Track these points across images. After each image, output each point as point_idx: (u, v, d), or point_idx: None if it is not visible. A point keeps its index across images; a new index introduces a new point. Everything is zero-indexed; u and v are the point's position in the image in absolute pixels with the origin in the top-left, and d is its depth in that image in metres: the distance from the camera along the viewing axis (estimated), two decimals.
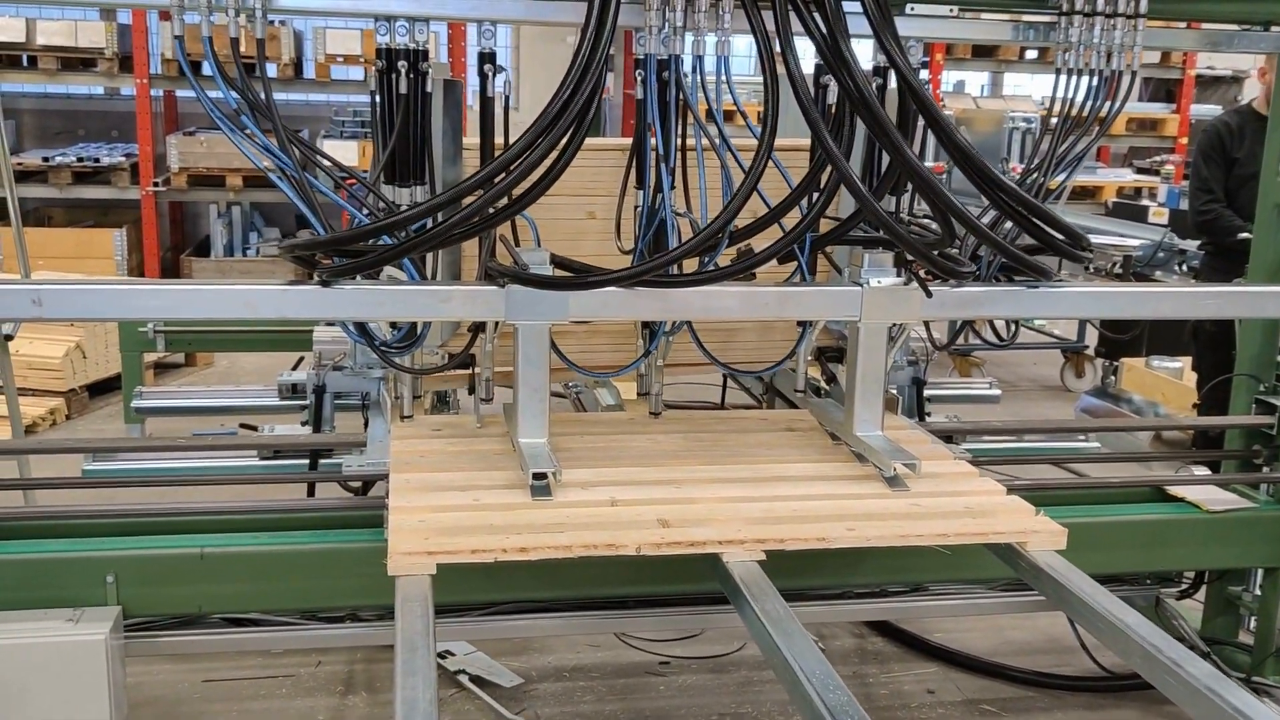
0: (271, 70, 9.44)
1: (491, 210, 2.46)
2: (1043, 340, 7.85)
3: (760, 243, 2.75)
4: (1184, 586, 3.89)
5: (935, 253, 2.80)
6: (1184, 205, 6.46)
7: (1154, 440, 5.74)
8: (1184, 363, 6.41)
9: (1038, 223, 2.64)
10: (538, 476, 2.58)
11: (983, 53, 10.58)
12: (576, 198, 3.29)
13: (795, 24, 2.50)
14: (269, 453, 3.37)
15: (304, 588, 2.94)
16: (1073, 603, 2.32)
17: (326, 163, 2.78)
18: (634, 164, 2.87)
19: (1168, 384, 6.34)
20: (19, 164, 9.18)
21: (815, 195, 2.70)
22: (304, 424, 3.46)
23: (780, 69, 2.56)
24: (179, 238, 10.64)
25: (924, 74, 2.88)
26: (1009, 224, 2.98)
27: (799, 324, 3.23)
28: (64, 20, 8.97)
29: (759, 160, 2.47)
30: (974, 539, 2.49)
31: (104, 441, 3.94)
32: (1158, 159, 10.12)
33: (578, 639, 3.87)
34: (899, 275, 2.77)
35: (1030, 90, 11.94)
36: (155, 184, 9.34)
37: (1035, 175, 2.92)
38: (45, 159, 9.15)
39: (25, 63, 9.16)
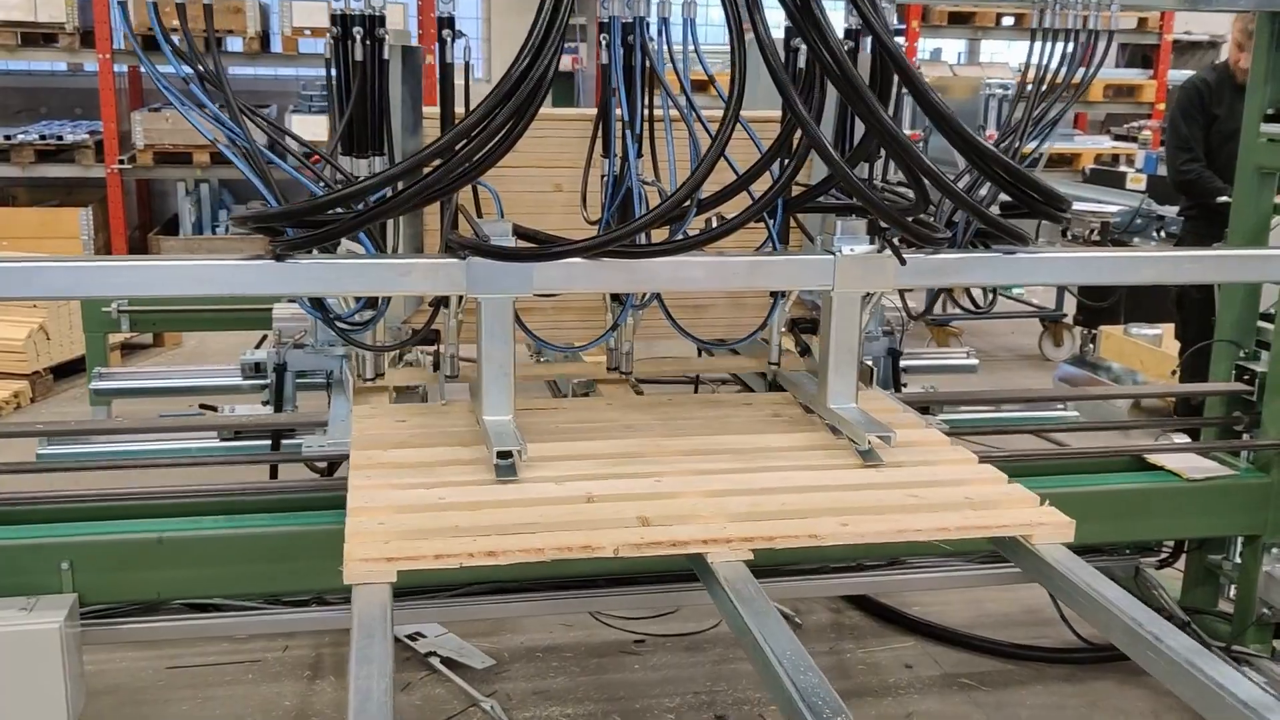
0: (238, 44, 9.29)
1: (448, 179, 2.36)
2: (1021, 309, 7.81)
3: (730, 212, 2.67)
4: (1163, 556, 3.86)
5: (910, 219, 2.74)
6: (1162, 171, 6.40)
7: (1133, 408, 5.70)
8: (1163, 330, 6.38)
9: (1017, 185, 2.57)
10: (502, 455, 2.50)
11: (959, 20, 10.51)
12: (541, 169, 3.21)
13: None
14: (229, 434, 3.28)
15: (266, 572, 2.86)
16: (1054, 579, 2.25)
17: (284, 137, 2.68)
18: (599, 132, 2.78)
19: (1146, 351, 6.31)
20: None
21: (786, 161, 2.62)
22: (265, 404, 3.37)
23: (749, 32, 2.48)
24: (147, 216, 10.49)
25: (900, 40, 2.80)
26: (984, 191, 2.93)
27: (771, 295, 3.17)
28: None
29: (725, 125, 2.39)
30: (978, 533, 2.34)
31: (58, 425, 3.83)
32: (1135, 125, 10.08)
33: (551, 619, 3.81)
34: (872, 243, 2.70)
35: (1007, 58, 11.89)
36: (121, 161, 9.18)
37: (1011, 139, 2.84)
38: (6, 137, 8.99)
39: None
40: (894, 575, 3.53)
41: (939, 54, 12.01)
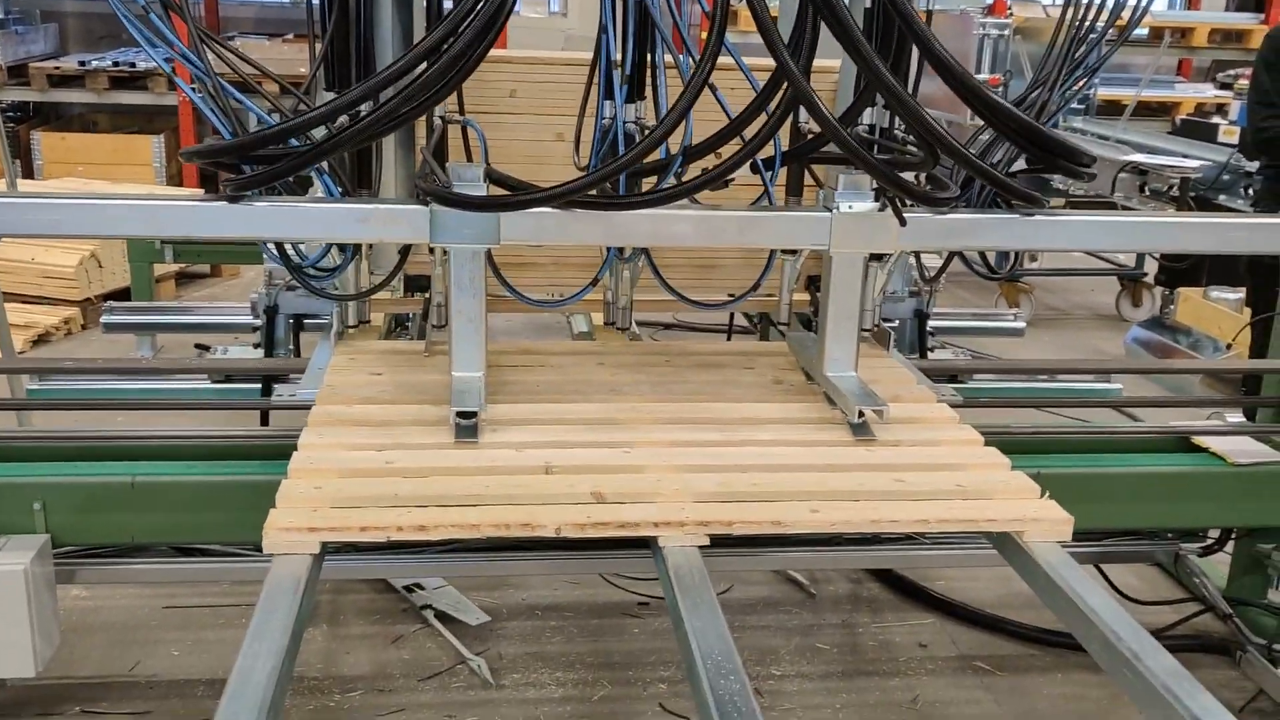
0: None
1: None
2: (1099, 266, 7.43)
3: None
4: (1208, 543, 3.61)
5: (917, 176, 2.52)
6: None
7: (1206, 381, 5.36)
8: (1244, 294, 5.98)
9: (1031, 140, 2.33)
10: (463, 415, 2.37)
11: None
12: (540, 117, 3.04)
13: None
14: (221, 377, 3.21)
15: (241, 519, 2.77)
16: (1039, 580, 2.02)
17: (246, 66, 2.55)
18: (594, 75, 2.60)
19: (1225, 316, 5.92)
20: (56, 68, 9.10)
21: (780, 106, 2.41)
22: (255, 346, 3.29)
23: None
24: None
25: None
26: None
27: (784, 252, 2.97)
28: None
29: (703, 64, 2.18)
30: (961, 527, 2.13)
31: (47, 362, 3.81)
32: (1232, 73, 9.46)
33: (556, 576, 3.70)
34: (877, 200, 2.48)
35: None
36: (193, 88, 9.16)
37: (1039, 91, 2.58)
38: (82, 63, 9.04)
39: None
40: (913, 550, 3.34)
41: None
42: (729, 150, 2.43)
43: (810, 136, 2.67)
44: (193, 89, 2.51)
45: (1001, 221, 2.51)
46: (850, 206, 2.45)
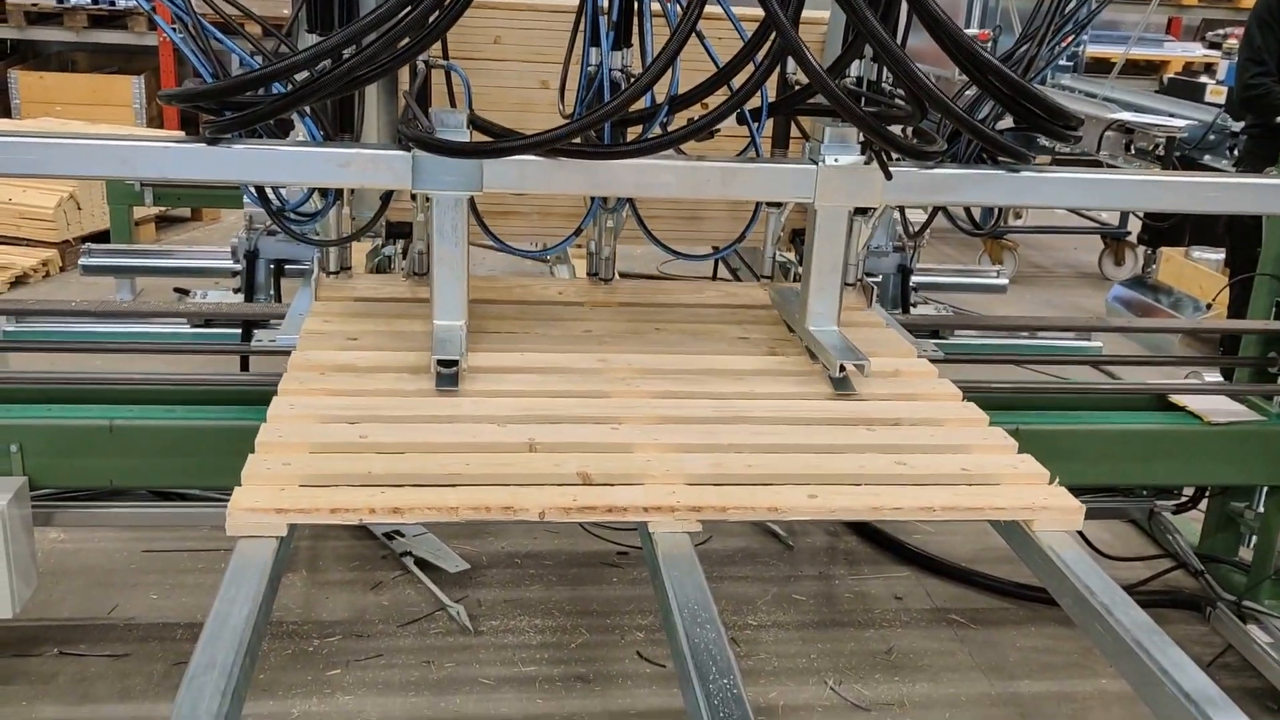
0: None
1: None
2: (1083, 224, 7.44)
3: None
4: (1182, 500, 3.65)
5: (904, 130, 2.50)
6: None
7: (1186, 340, 5.39)
8: (1225, 253, 6.00)
9: (1017, 98, 2.31)
10: (444, 364, 2.36)
11: None
12: (526, 64, 3.00)
13: None
14: (200, 321, 3.19)
15: (219, 464, 2.76)
16: (1049, 572, 1.94)
17: (229, 7, 2.51)
18: (580, 21, 2.57)
19: (1206, 276, 5.95)
20: (34, 5, 8.95)
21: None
22: (236, 291, 3.26)
23: None
24: None
25: None
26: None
27: (768, 203, 2.96)
28: None
29: (690, 10, 2.16)
30: (969, 515, 2.04)
31: (25, 304, 3.77)
32: (1221, 32, 9.42)
33: (536, 526, 3.71)
34: (863, 153, 2.47)
35: None
36: (173, 28, 9.03)
37: (1027, 46, 2.56)
38: (60, 1, 8.88)
39: None
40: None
41: None
42: (716, 101, 2.42)
43: (797, 88, 2.65)
44: (173, 28, 2.46)
45: (986, 177, 2.50)
46: (836, 159, 2.44)
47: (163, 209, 6.73)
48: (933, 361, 2.71)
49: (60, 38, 9.09)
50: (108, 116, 8.68)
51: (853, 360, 2.45)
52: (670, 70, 2.32)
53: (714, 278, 4.52)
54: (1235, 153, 5.77)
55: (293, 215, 2.67)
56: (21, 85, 9.06)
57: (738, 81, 2.40)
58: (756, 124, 2.53)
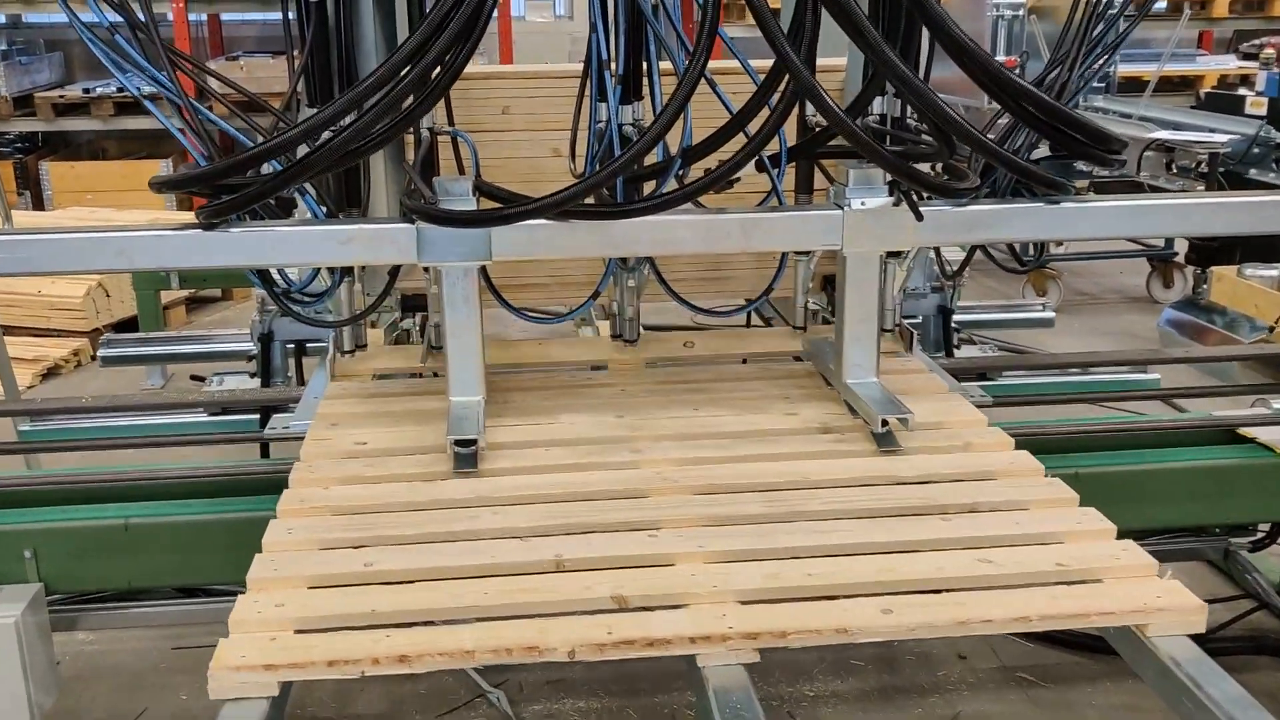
0: None
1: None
2: (1128, 247, 7.22)
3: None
4: (1259, 536, 3.43)
5: (933, 167, 2.36)
6: None
7: (1248, 365, 5.16)
8: None
9: (1054, 124, 2.17)
10: (462, 444, 2.23)
11: None
12: (534, 132, 2.89)
13: None
14: (217, 410, 3.09)
15: (238, 560, 2.64)
16: (1169, 686, 1.73)
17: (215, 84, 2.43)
18: (587, 78, 2.46)
19: (1261, 294, 5.71)
20: (61, 97, 9.05)
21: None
22: (252, 376, 3.16)
23: None
24: None
25: None
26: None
27: (795, 251, 2.83)
28: None
29: (697, 57, 2.03)
30: (1072, 623, 1.78)
31: (38, 403, 3.69)
32: (1257, 43, 9.22)
33: None
34: (891, 194, 2.33)
35: None
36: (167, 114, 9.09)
37: (1058, 70, 2.42)
38: (86, 90, 8.98)
39: None
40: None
41: None
42: (732, 151, 2.29)
43: (817, 130, 2.53)
44: (167, 114, 2.38)
45: (1025, 211, 2.35)
46: (863, 203, 2.30)
47: (192, 290, 6.70)
48: (980, 407, 2.56)
49: (89, 126, 9.17)
50: (138, 202, 8.71)
51: (895, 414, 2.30)
52: (682, 120, 2.20)
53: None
54: None
55: (300, 296, 2.57)
56: (53, 176, 9.14)
57: (753, 128, 2.28)
58: (776, 170, 2.40)
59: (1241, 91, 6.87)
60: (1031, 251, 4.03)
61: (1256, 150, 5.56)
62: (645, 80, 2.42)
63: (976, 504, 2.08)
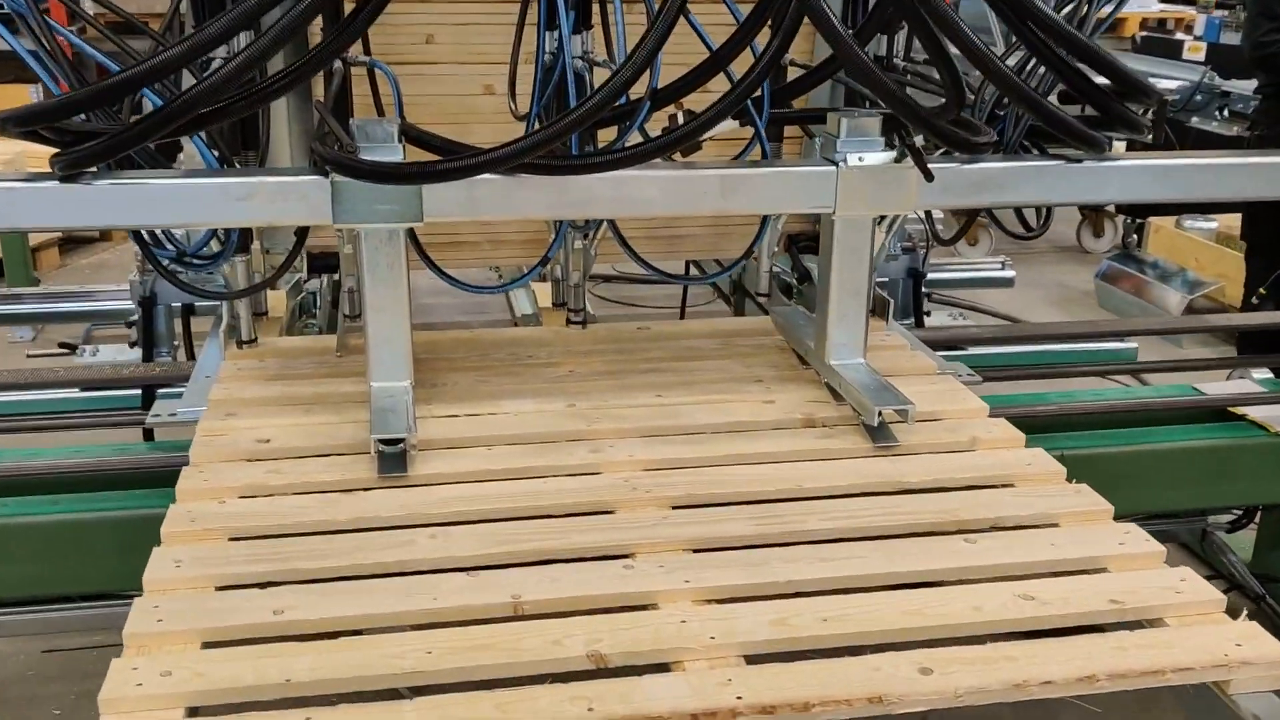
0: None
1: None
2: None
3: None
4: (1235, 517, 3.24)
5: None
6: (1226, 39, 5.58)
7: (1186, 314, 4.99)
8: (1219, 222, 5.62)
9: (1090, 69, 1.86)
10: (387, 443, 1.86)
11: None
12: (465, 66, 2.46)
13: None
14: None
15: (117, 566, 2.23)
16: None
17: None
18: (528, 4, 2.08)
19: (1201, 247, 5.57)
20: None
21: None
22: (132, 345, 2.72)
23: None
24: None
25: None
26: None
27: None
28: None
29: None
30: (1142, 682, 1.46)
31: None
32: None
33: None
34: (889, 148, 2.00)
35: None
36: (71, 33, 8.36)
37: (1078, 3, 2.11)
38: None
39: None
40: None
41: None
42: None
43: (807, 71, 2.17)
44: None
45: (1044, 171, 2.04)
46: (860, 158, 1.97)
47: (65, 232, 6.12)
48: (967, 384, 2.28)
49: None
50: None
51: (893, 405, 2.00)
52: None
53: (682, 311, 4.01)
54: (1225, 113, 5.40)
55: (192, 260, 2.15)
56: None
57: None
58: (762, 117, 2.04)
59: (1179, 36, 6.70)
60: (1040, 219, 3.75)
61: (1200, 97, 5.37)
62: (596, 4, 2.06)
63: (1000, 519, 1.79)
